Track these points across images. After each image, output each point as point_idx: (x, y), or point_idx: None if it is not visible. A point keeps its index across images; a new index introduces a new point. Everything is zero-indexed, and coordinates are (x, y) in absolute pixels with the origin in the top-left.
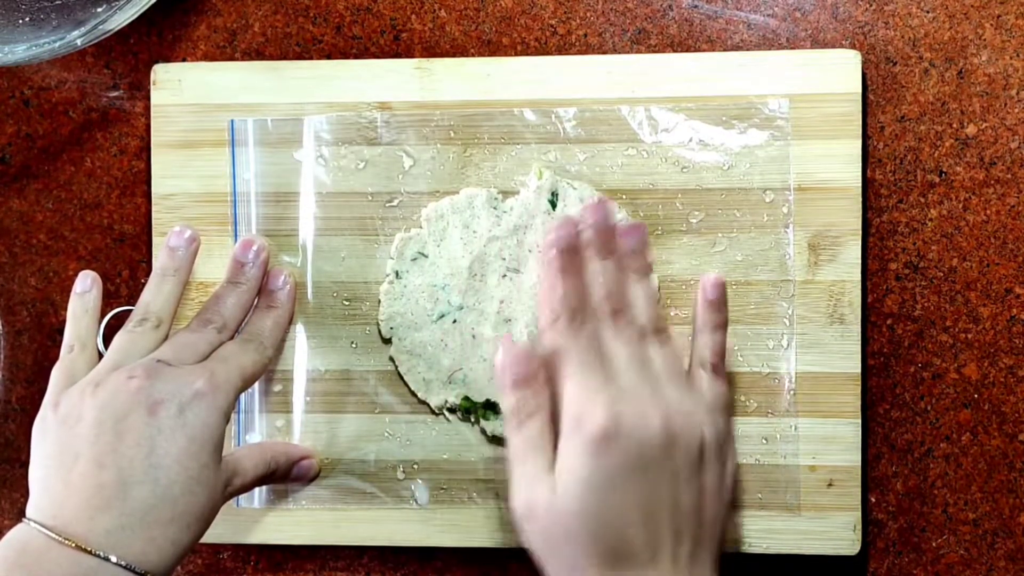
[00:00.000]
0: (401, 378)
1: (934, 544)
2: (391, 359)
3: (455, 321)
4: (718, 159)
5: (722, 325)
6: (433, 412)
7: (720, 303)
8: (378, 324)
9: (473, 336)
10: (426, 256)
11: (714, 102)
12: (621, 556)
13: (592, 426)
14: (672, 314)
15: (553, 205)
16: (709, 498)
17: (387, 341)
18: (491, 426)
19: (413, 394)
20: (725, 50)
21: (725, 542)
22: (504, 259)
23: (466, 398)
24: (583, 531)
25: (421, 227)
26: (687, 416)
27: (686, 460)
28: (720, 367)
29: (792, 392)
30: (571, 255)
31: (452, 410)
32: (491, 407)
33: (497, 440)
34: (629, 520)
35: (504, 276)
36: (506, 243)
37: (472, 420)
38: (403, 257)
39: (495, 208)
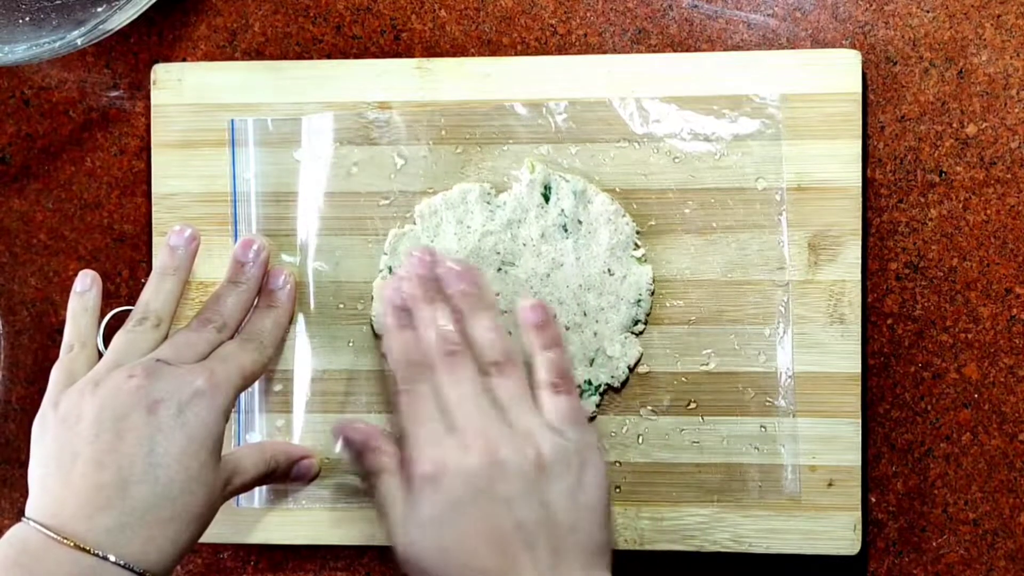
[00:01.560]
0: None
1: (934, 544)
2: (384, 355)
3: None
4: (710, 149)
5: (551, 344)
6: None
7: (542, 324)
8: (371, 321)
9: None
10: None
11: (712, 101)
12: None
13: (417, 472)
14: (670, 304)
15: (546, 198)
16: (560, 510)
17: (379, 336)
18: None
19: None
20: (725, 50)
21: (608, 547)
22: (499, 253)
23: None
24: (434, 567)
25: (415, 223)
26: (518, 440)
27: (520, 481)
28: (561, 384)
29: (791, 392)
30: (400, 312)
31: None
32: None
33: None
34: (472, 549)
35: (499, 270)
36: (500, 237)
37: None
38: (396, 253)
39: (488, 203)
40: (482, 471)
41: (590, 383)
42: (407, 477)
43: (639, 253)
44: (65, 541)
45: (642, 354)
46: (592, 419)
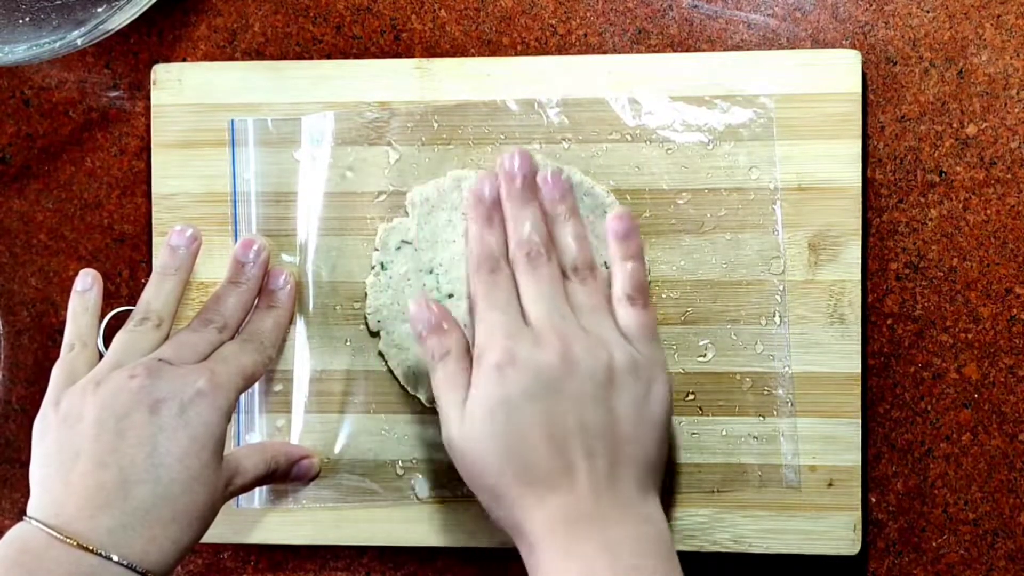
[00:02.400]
0: (391, 373)
1: (934, 544)
2: (380, 354)
3: None
4: (702, 138)
5: (634, 255)
6: (424, 406)
7: (626, 233)
8: (365, 318)
9: (464, 325)
10: (410, 243)
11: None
12: (534, 477)
13: (490, 356)
14: (667, 301)
15: None
16: (624, 419)
17: (375, 335)
18: None
19: (404, 389)
20: (725, 50)
21: (661, 469)
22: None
23: None
24: (491, 456)
25: (406, 215)
26: (592, 343)
27: (590, 384)
28: (637, 298)
29: (791, 391)
30: (490, 206)
31: None
32: None
33: None
34: (533, 442)
35: None
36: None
37: None
38: (387, 247)
39: None
40: (554, 367)
41: None
42: (475, 363)
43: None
44: (67, 540)
45: None
46: None
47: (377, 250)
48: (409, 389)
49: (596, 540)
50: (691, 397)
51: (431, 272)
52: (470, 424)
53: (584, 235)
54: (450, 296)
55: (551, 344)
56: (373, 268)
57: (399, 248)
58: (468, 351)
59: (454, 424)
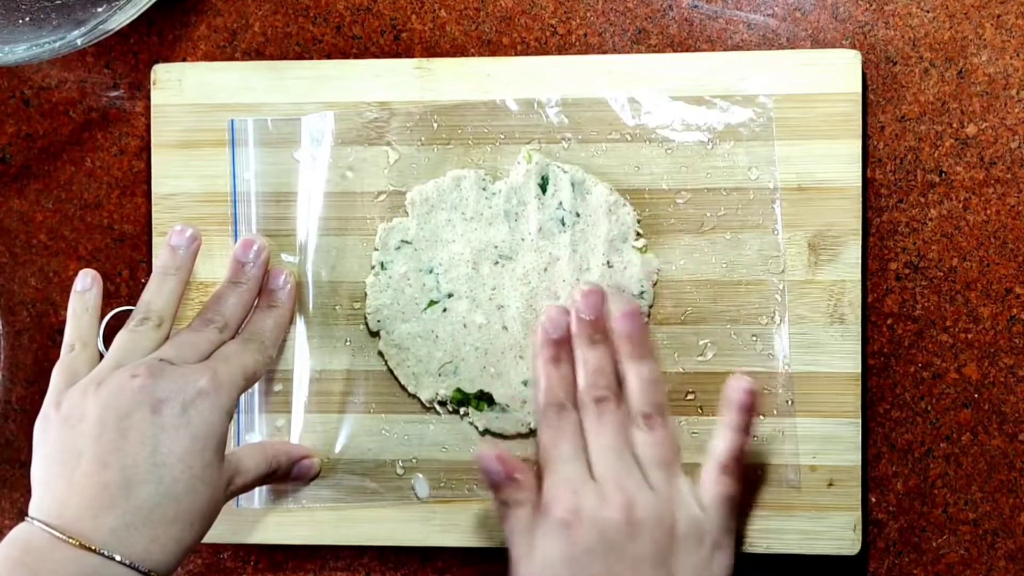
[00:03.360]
0: (391, 372)
1: (934, 544)
2: (380, 354)
3: (445, 310)
4: (701, 138)
5: (743, 428)
6: (425, 407)
7: (749, 408)
8: (365, 318)
9: (464, 325)
10: (410, 243)
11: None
12: None
13: (554, 512)
14: (667, 302)
15: (543, 189)
16: None
17: (375, 335)
18: (481, 420)
19: (404, 389)
20: (725, 50)
21: None
22: (496, 247)
23: (458, 390)
24: None
25: (406, 215)
26: (657, 502)
27: (651, 545)
28: (731, 467)
29: (791, 391)
30: (558, 345)
31: (443, 403)
32: (484, 398)
33: (489, 433)
34: None
35: (496, 263)
36: (499, 229)
37: (462, 414)
38: (387, 247)
39: (484, 190)
40: (617, 527)
41: None
42: (542, 515)
43: (640, 243)
44: (70, 540)
45: None
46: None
47: (377, 250)
48: (409, 389)
49: None
50: (691, 397)
51: (431, 272)
52: (535, 573)
53: (656, 376)
54: (449, 296)
55: (616, 502)
56: (373, 268)
57: (399, 248)
58: (539, 494)
59: (521, 570)
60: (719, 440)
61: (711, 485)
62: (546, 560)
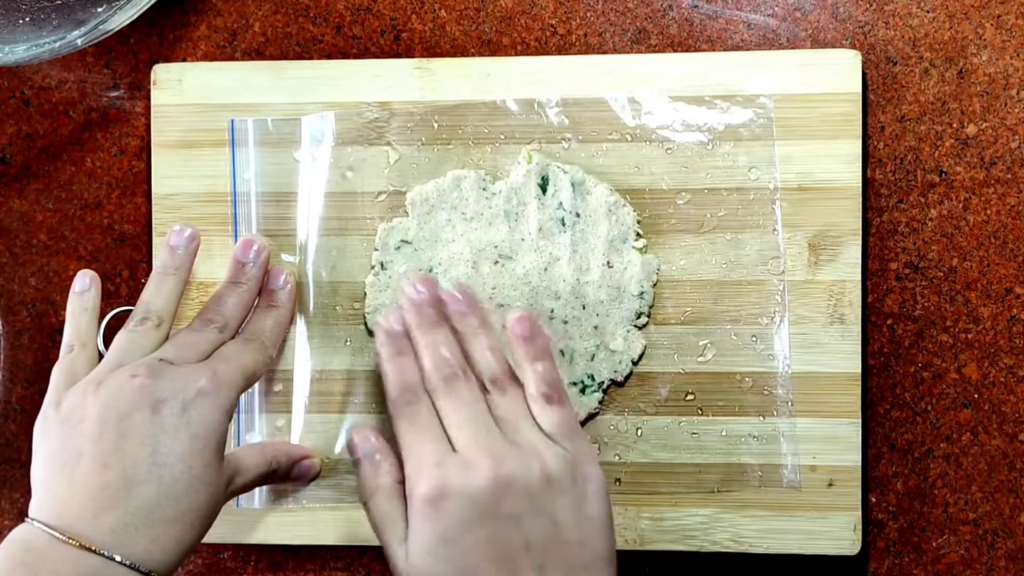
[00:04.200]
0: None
1: (934, 544)
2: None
3: None
4: (701, 138)
5: (541, 355)
6: None
7: (531, 336)
8: (364, 317)
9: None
10: (410, 243)
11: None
12: None
13: (421, 489)
14: (668, 302)
15: (543, 189)
16: (569, 526)
17: (373, 334)
18: None
19: None
20: (725, 50)
21: (613, 557)
22: (496, 247)
23: None
24: None
25: (406, 215)
26: (523, 455)
27: (527, 497)
28: (552, 394)
29: (791, 391)
30: (395, 339)
31: None
32: None
33: None
34: (481, 571)
35: (496, 263)
36: (499, 229)
37: None
38: (387, 247)
39: (484, 190)
40: (487, 489)
41: (592, 378)
42: (408, 498)
43: (640, 244)
44: (70, 541)
45: (645, 347)
46: (592, 416)
47: (377, 250)
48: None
49: None
50: (690, 397)
51: (430, 271)
52: (415, 562)
53: (498, 345)
54: None
55: (482, 466)
56: (373, 268)
57: (398, 248)
58: (401, 484)
59: (399, 561)
60: (527, 379)
61: (548, 419)
62: (422, 544)
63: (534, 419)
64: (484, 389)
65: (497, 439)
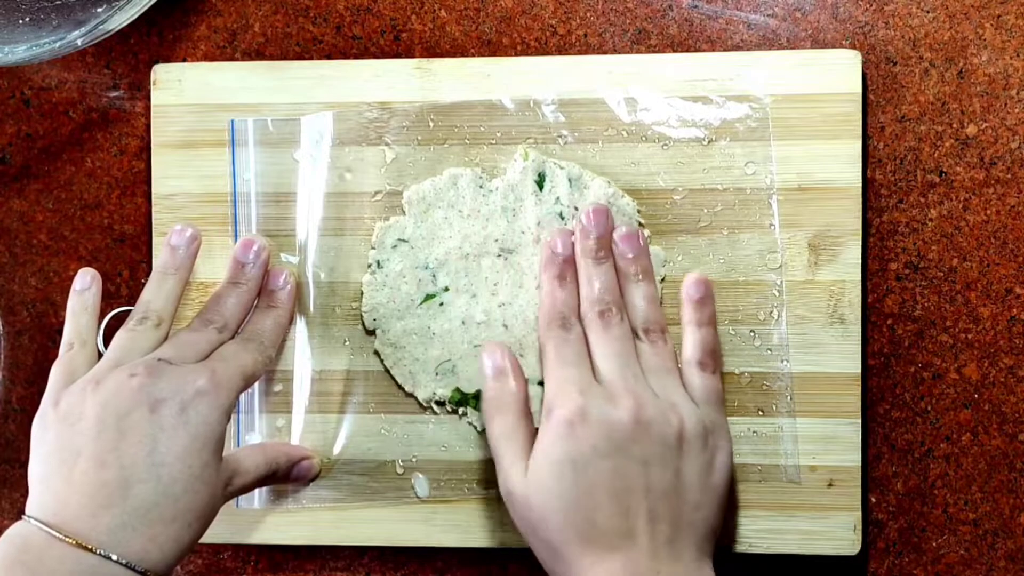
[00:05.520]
0: (388, 372)
1: (934, 544)
2: (376, 353)
3: (442, 304)
4: (698, 134)
5: (706, 321)
6: (422, 405)
7: (704, 300)
8: (361, 316)
9: (463, 322)
10: (406, 241)
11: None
12: (594, 536)
13: (561, 411)
14: (667, 302)
15: (540, 186)
16: (690, 485)
17: (371, 333)
18: (480, 420)
19: (402, 388)
20: (725, 50)
21: (717, 534)
22: (497, 240)
23: (457, 390)
24: (554, 512)
25: (403, 214)
26: (664, 406)
27: (660, 447)
28: (708, 363)
29: (791, 391)
30: (564, 262)
31: (441, 403)
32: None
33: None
34: (598, 501)
35: (499, 256)
36: (497, 224)
37: (460, 413)
38: (383, 245)
39: (481, 187)
40: (626, 426)
41: None
42: (544, 417)
43: (644, 235)
44: (67, 539)
45: None
46: None
47: (373, 248)
48: (406, 388)
49: None
50: None
51: (427, 268)
52: (536, 478)
53: (656, 298)
54: (445, 290)
55: (624, 403)
56: (369, 267)
57: (395, 246)
58: (528, 405)
59: (515, 476)
60: (688, 341)
61: (698, 383)
62: (549, 462)
63: (680, 380)
64: (636, 336)
65: (642, 383)
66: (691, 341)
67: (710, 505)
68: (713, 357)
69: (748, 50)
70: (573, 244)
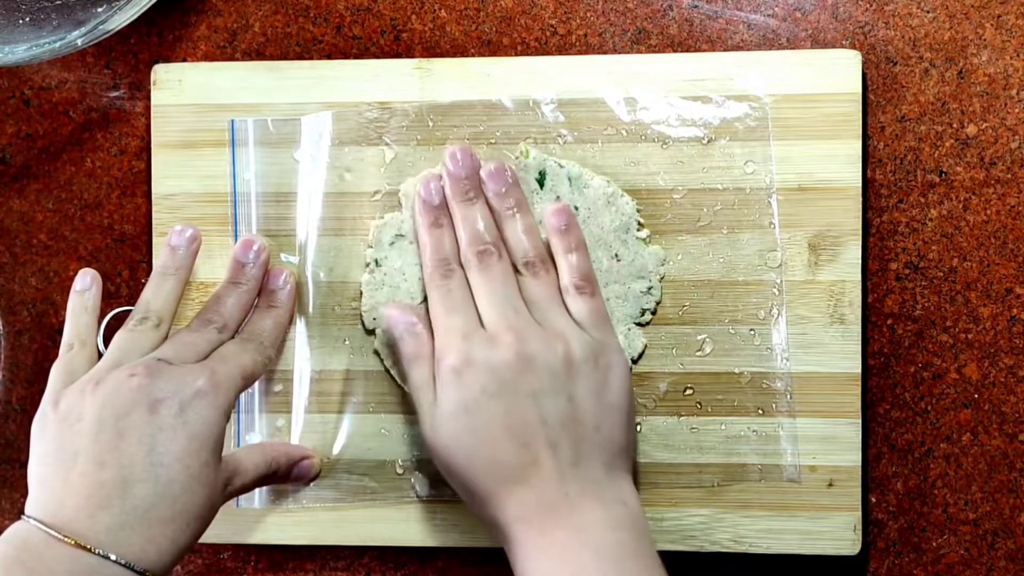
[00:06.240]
0: (388, 372)
1: (934, 544)
2: (376, 353)
3: None
4: (697, 133)
5: (575, 247)
6: None
7: (568, 227)
8: (361, 316)
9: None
10: (404, 236)
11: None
12: (501, 473)
13: (448, 360)
14: (667, 302)
15: (541, 184)
16: (584, 407)
17: (371, 333)
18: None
19: (401, 388)
20: (725, 50)
21: (630, 451)
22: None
23: None
24: (459, 456)
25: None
26: (547, 335)
27: (548, 376)
28: (585, 286)
29: (791, 391)
30: (437, 209)
31: None
32: None
33: None
34: (496, 440)
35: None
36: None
37: None
38: (381, 243)
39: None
40: (510, 365)
41: None
42: (436, 368)
43: (643, 234)
44: (66, 539)
45: (646, 346)
46: None
47: (371, 247)
48: (405, 387)
49: (567, 525)
50: (689, 392)
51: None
52: (438, 427)
53: (533, 228)
54: None
55: (506, 342)
56: (368, 265)
57: (392, 243)
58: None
59: (427, 426)
60: (561, 269)
61: (578, 308)
62: (445, 409)
63: (564, 307)
64: (517, 271)
65: (524, 318)
66: (564, 268)
67: (612, 423)
68: (588, 279)
69: (748, 50)
70: (444, 190)
